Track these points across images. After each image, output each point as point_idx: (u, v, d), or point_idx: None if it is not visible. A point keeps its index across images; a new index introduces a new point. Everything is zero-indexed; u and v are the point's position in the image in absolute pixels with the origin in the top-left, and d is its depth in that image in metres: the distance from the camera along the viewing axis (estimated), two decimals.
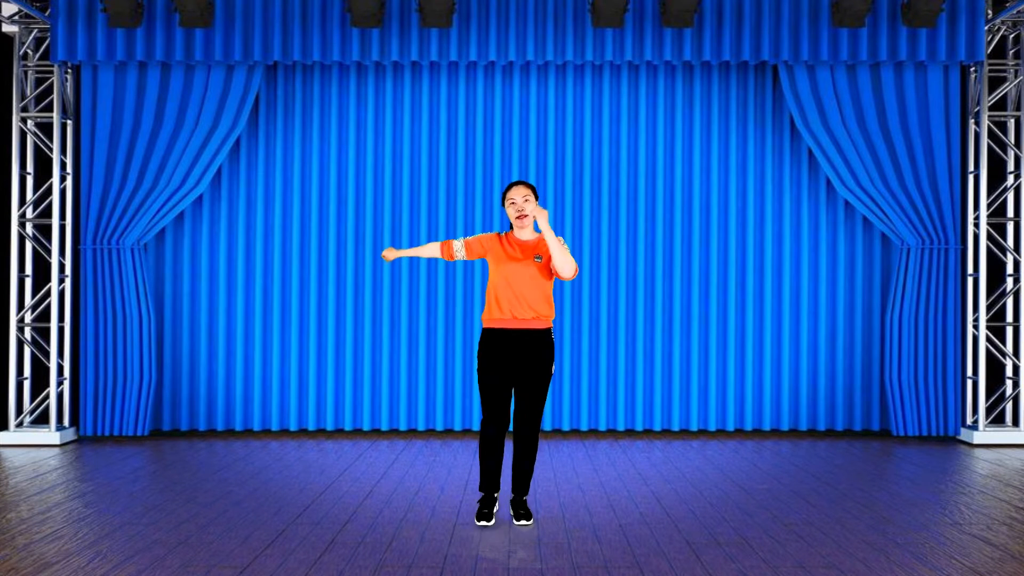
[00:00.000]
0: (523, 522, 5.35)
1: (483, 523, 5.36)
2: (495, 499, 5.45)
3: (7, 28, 8.52)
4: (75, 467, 7.17)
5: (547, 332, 5.36)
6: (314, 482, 6.56)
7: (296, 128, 8.87)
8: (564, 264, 5.18)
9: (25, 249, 8.65)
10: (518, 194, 5.33)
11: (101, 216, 8.56)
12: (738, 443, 8.33)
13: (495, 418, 5.33)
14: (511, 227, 5.47)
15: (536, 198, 5.37)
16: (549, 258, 5.33)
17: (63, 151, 8.66)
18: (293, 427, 8.85)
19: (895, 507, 5.82)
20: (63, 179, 8.61)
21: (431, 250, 5.56)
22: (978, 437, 8.31)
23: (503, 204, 5.43)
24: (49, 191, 8.67)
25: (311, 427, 8.86)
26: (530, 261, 5.33)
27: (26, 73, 8.63)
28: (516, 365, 5.33)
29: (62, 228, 8.57)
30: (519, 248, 5.37)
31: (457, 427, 8.89)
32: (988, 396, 8.72)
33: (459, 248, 5.49)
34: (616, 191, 8.92)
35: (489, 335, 5.36)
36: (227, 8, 8.33)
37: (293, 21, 8.33)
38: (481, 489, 5.44)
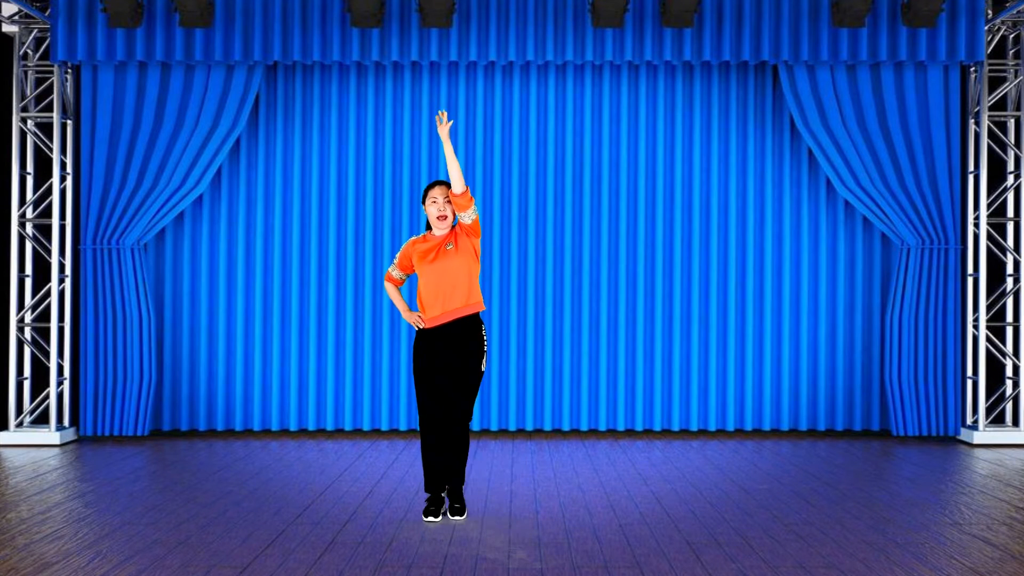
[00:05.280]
0: (458, 517, 5.48)
1: (431, 519, 5.45)
2: (443, 498, 5.58)
3: (7, 28, 8.52)
4: (75, 467, 7.18)
5: (477, 316, 5.46)
6: (314, 482, 6.56)
7: (296, 128, 8.87)
8: (458, 178, 5.32)
9: (25, 249, 8.65)
10: (440, 194, 5.44)
11: (101, 216, 8.56)
12: (738, 443, 8.33)
13: (437, 419, 5.44)
14: (428, 228, 5.59)
15: None
16: (468, 237, 5.44)
17: (63, 151, 8.66)
18: (293, 427, 8.85)
19: (895, 507, 5.82)
20: (63, 179, 8.61)
21: (394, 291, 5.69)
22: (978, 437, 8.30)
23: (423, 203, 5.52)
24: (49, 191, 8.67)
25: (311, 427, 8.87)
26: (450, 252, 5.41)
27: (26, 73, 8.63)
28: (450, 357, 5.41)
29: (62, 228, 8.57)
30: (432, 246, 5.46)
31: None
32: (988, 396, 8.72)
33: (396, 273, 5.67)
34: (616, 191, 8.92)
35: (423, 335, 5.47)
36: (227, 8, 8.33)
37: (293, 21, 8.34)
38: (429, 490, 5.53)
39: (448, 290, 5.39)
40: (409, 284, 8.88)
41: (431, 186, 5.51)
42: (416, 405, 5.54)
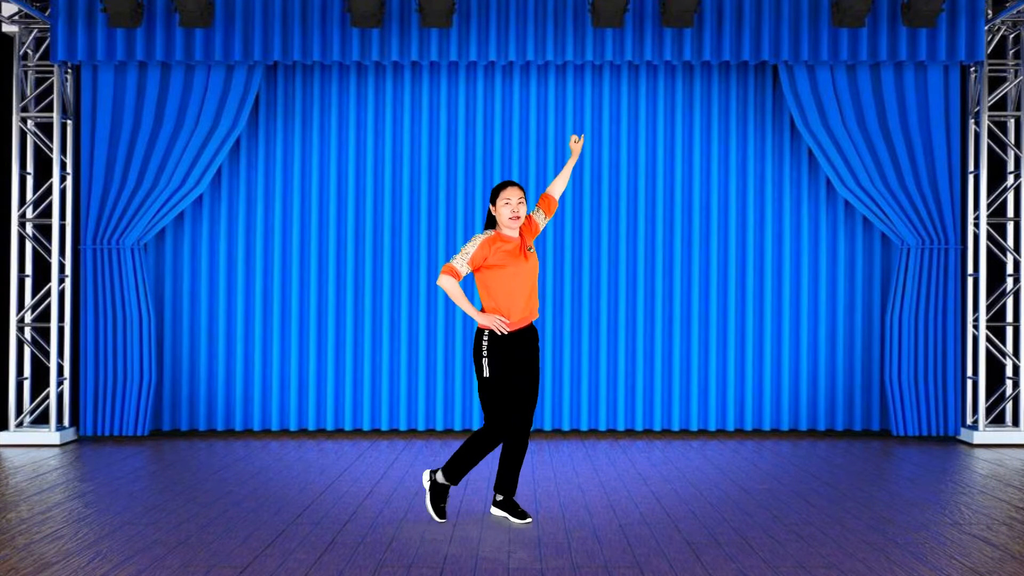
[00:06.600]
0: (528, 520, 5.43)
1: (443, 519, 5.44)
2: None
3: (7, 28, 8.52)
4: (75, 467, 7.18)
5: None
6: (314, 482, 6.56)
7: (296, 128, 8.88)
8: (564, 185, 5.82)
9: (25, 249, 8.65)
10: (514, 195, 5.32)
11: (101, 216, 8.56)
12: (738, 443, 8.33)
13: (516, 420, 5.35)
14: (493, 226, 5.40)
15: (526, 202, 5.47)
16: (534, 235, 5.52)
17: (63, 151, 8.66)
18: (293, 427, 8.85)
19: (895, 507, 5.82)
20: (63, 179, 8.61)
21: (457, 288, 5.32)
22: (978, 437, 8.30)
23: (493, 203, 5.36)
24: (49, 191, 8.67)
25: (311, 427, 8.87)
26: (531, 255, 5.40)
27: (26, 73, 8.63)
28: (529, 360, 5.41)
29: (62, 228, 8.57)
30: (516, 246, 5.37)
31: (457, 427, 8.88)
32: (988, 396, 8.72)
33: (463, 268, 5.29)
34: (616, 191, 8.92)
35: (507, 338, 5.31)
36: (227, 8, 8.33)
37: (293, 21, 8.34)
38: (454, 481, 5.43)
39: (532, 292, 5.39)
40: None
41: (503, 186, 5.33)
42: (498, 409, 5.29)
